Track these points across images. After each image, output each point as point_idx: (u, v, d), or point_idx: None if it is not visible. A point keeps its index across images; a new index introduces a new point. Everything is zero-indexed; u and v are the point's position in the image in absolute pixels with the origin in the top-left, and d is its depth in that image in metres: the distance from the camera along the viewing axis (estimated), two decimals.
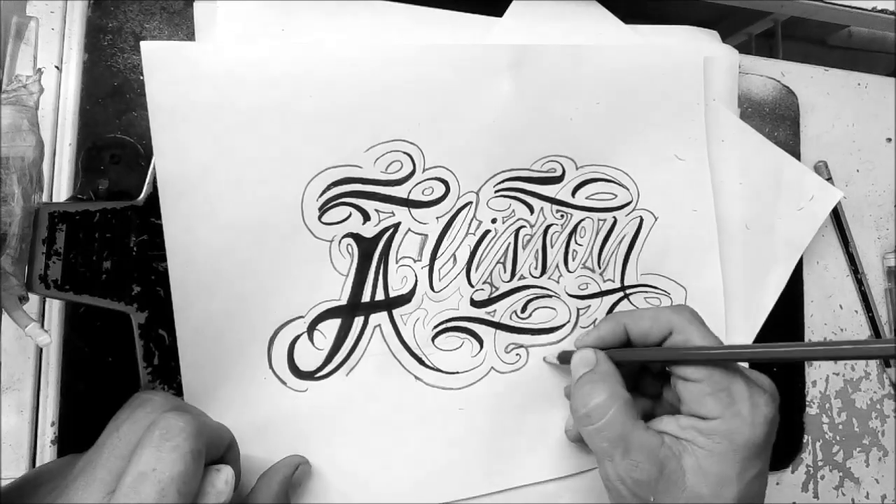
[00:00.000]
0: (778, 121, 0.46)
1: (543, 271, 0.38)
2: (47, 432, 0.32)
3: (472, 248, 0.36)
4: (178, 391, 0.32)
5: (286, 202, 0.33)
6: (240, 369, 0.33)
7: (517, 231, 0.37)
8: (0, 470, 0.32)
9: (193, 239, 0.32)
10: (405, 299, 0.35)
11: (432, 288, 0.36)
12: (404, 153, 0.35)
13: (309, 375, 0.34)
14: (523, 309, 0.37)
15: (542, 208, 0.37)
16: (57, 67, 0.34)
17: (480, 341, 0.36)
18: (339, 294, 0.34)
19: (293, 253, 0.33)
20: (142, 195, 0.32)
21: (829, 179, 0.47)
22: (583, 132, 0.38)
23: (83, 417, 0.33)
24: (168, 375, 0.32)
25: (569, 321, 0.38)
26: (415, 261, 0.35)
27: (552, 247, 0.38)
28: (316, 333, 0.34)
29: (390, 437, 0.35)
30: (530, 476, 0.37)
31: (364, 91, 0.34)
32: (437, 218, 0.36)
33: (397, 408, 0.35)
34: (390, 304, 0.35)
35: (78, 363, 0.33)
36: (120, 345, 0.32)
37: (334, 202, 0.34)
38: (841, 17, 0.45)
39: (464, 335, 0.36)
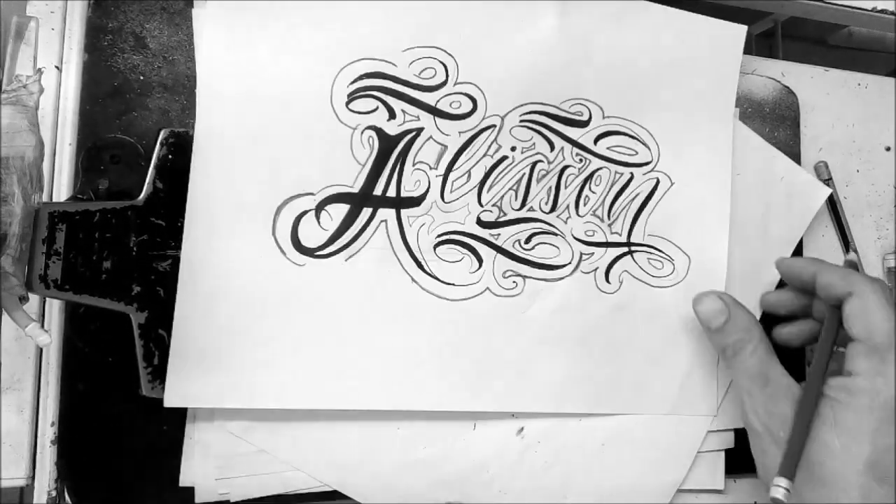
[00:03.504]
0: (778, 121, 0.45)
1: (553, 208, 0.38)
2: (47, 432, 0.32)
3: (487, 169, 0.37)
4: None
5: (317, 82, 0.34)
6: (242, 231, 0.33)
7: (534, 164, 0.37)
8: (0, 470, 0.32)
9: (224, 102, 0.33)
10: (415, 202, 0.36)
11: (443, 198, 0.36)
12: (440, 62, 0.36)
13: (309, 252, 0.34)
14: (527, 240, 0.38)
15: (562, 148, 0.38)
16: (57, 67, 0.34)
17: (480, 260, 0.37)
18: (353, 182, 0.35)
19: (315, 130, 0.34)
20: (142, 195, 0.32)
21: (830, 180, 0.47)
22: (616, 83, 0.38)
23: (83, 417, 0.33)
24: None
25: (570, 262, 0.38)
26: (430, 168, 0.36)
27: (566, 187, 0.38)
28: (323, 214, 0.34)
29: (379, 331, 0.35)
30: (511, 404, 0.37)
31: None
32: (460, 133, 0.36)
33: (390, 304, 0.35)
34: (400, 203, 0.35)
35: (78, 363, 0.33)
36: (120, 345, 0.32)
37: (363, 93, 0.35)
38: (841, 17, 0.45)
39: (465, 250, 0.37)
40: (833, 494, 0.29)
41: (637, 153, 0.39)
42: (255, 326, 0.33)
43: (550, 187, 0.38)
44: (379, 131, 0.35)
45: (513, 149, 0.37)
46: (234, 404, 0.33)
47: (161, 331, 0.32)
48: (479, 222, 0.37)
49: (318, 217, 0.34)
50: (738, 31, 0.40)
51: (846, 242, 0.47)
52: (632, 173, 0.39)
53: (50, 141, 0.33)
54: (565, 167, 0.38)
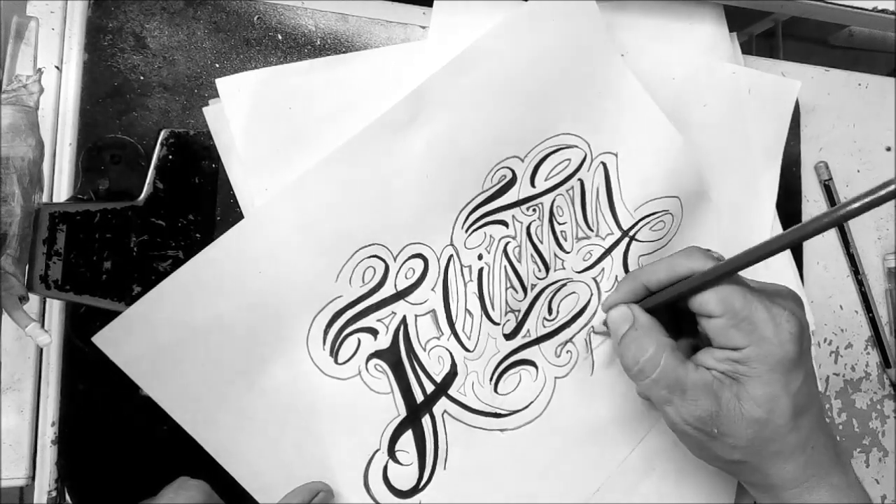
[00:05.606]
0: None
1: (547, 268, 0.38)
2: (47, 432, 0.32)
3: (477, 294, 0.36)
4: None
5: (302, 369, 0.34)
6: None
7: (505, 250, 0.37)
8: (0, 470, 0.32)
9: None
10: (452, 375, 0.36)
11: (467, 350, 0.36)
12: (374, 257, 0.35)
13: (414, 491, 0.35)
14: (549, 311, 0.38)
15: (513, 216, 0.37)
16: (57, 67, 0.34)
17: (533, 364, 0.37)
18: (396, 410, 0.35)
19: (337, 410, 0.34)
20: (142, 195, 0.32)
21: (830, 180, 0.47)
22: (510, 126, 0.37)
23: (83, 417, 0.33)
24: None
25: (592, 294, 0.38)
26: (439, 338, 0.36)
27: (542, 242, 0.38)
28: (398, 454, 0.35)
29: (512, 493, 0.36)
30: (628, 447, 0.38)
31: (306, 222, 0.33)
32: (432, 289, 0.36)
33: (502, 467, 0.36)
34: (443, 388, 0.36)
35: (78, 363, 0.33)
36: None
37: (339, 339, 0.34)
38: (841, 16, 0.45)
39: (516, 369, 0.37)
40: (778, 459, 0.30)
41: (571, 160, 0.38)
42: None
43: (531, 254, 0.38)
44: (377, 354, 0.35)
45: (480, 257, 0.37)
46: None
47: None
48: (507, 337, 0.37)
49: (396, 461, 0.35)
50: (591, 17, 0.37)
51: (846, 242, 0.47)
52: (580, 179, 0.38)
53: (50, 141, 0.33)
54: (528, 226, 0.38)
